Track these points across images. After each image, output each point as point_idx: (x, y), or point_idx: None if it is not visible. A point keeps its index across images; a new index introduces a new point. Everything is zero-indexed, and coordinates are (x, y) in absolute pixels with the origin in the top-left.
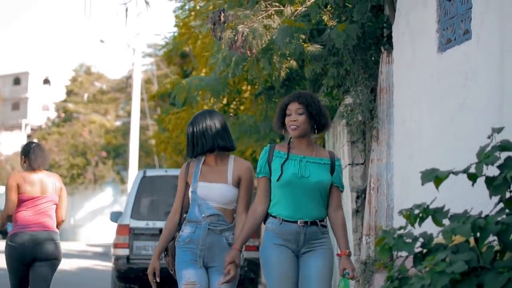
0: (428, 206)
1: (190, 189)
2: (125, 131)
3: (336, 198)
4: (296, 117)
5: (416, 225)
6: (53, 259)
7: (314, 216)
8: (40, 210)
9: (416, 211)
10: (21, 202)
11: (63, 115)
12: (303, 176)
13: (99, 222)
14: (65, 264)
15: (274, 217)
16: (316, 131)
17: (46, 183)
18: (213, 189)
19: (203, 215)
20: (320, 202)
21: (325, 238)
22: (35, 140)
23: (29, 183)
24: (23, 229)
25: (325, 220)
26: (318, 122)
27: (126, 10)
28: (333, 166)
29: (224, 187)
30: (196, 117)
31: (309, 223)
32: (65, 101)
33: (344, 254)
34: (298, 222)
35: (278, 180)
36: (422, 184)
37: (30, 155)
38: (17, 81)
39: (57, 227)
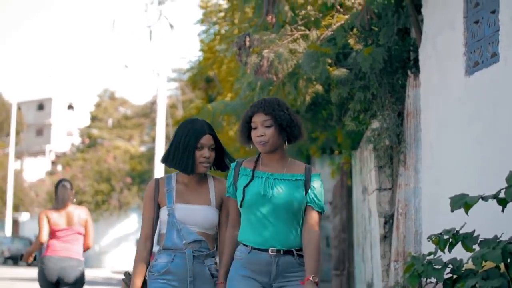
0: (457, 231)
1: (166, 212)
2: (150, 156)
3: (311, 218)
4: (263, 130)
5: (446, 250)
6: (77, 284)
7: (289, 244)
8: (67, 239)
9: (446, 237)
10: (51, 232)
11: (87, 141)
12: (267, 196)
13: (124, 248)
14: None
15: (244, 244)
16: (287, 142)
17: (72, 216)
18: (194, 212)
19: (184, 241)
20: (294, 226)
21: (303, 271)
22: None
23: (56, 217)
24: (52, 254)
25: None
26: (290, 133)
27: (150, 33)
28: (307, 182)
29: (207, 210)
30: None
31: (282, 252)
32: (89, 126)
33: (308, 280)
34: (269, 250)
35: (240, 206)
36: (452, 211)
37: (55, 195)
38: (40, 107)
39: (84, 250)
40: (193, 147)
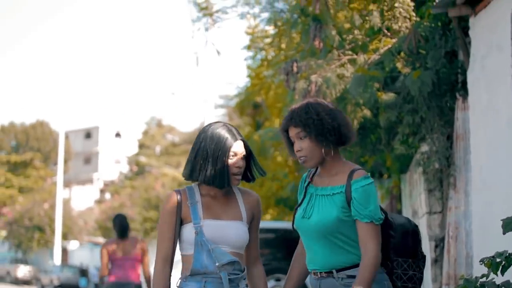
0: (510, 254)
1: (192, 230)
2: None
3: (361, 234)
4: (299, 144)
5: (498, 273)
6: None
7: (328, 265)
8: (125, 267)
9: (498, 260)
10: (112, 262)
11: (135, 168)
12: (306, 216)
13: (174, 275)
14: None
15: None
16: (334, 146)
17: (128, 246)
18: (226, 229)
19: (217, 263)
20: (337, 245)
21: None
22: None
23: (115, 248)
24: (113, 280)
25: (359, 267)
26: (328, 139)
27: (197, 59)
28: (348, 193)
29: (239, 227)
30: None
31: (319, 275)
32: (137, 154)
33: None
34: (312, 273)
35: (293, 228)
36: (504, 233)
37: (114, 228)
38: (88, 135)
39: (147, 276)
40: (226, 156)
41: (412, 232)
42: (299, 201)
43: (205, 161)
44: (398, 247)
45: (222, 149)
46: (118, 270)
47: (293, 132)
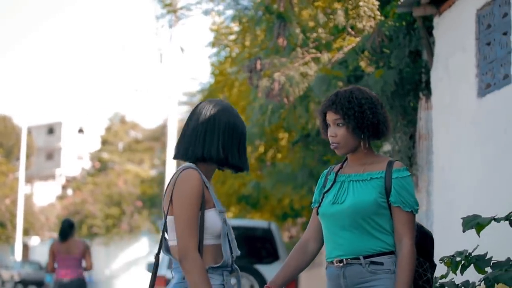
0: (470, 253)
1: (218, 217)
2: (160, 180)
3: (398, 223)
4: (334, 130)
5: (458, 272)
6: None
7: (355, 251)
8: (70, 264)
9: (458, 259)
10: (58, 261)
11: (97, 164)
12: (337, 202)
13: (135, 273)
14: None
15: None
16: (369, 139)
17: (72, 247)
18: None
19: (234, 256)
20: (366, 231)
21: (378, 280)
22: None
23: (61, 248)
24: (60, 276)
25: (386, 255)
26: (366, 132)
27: (161, 56)
28: (388, 180)
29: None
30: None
31: (345, 262)
32: (99, 150)
33: None
34: (334, 262)
35: (317, 213)
36: (464, 231)
37: (59, 231)
38: (51, 130)
39: (86, 270)
40: (246, 139)
41: (430, 238)
42: (319, 195)
43: (230, 142)
44: (418, 247)
45: (243, 131)
46: (64, 267)
47: (331, 117)
